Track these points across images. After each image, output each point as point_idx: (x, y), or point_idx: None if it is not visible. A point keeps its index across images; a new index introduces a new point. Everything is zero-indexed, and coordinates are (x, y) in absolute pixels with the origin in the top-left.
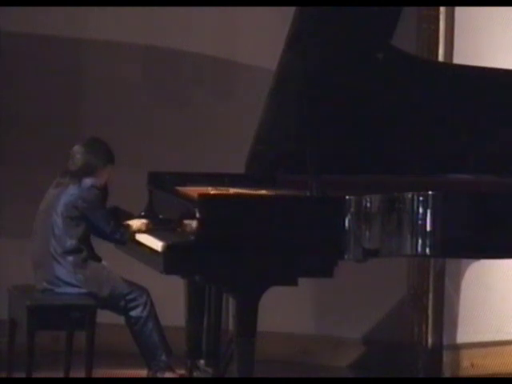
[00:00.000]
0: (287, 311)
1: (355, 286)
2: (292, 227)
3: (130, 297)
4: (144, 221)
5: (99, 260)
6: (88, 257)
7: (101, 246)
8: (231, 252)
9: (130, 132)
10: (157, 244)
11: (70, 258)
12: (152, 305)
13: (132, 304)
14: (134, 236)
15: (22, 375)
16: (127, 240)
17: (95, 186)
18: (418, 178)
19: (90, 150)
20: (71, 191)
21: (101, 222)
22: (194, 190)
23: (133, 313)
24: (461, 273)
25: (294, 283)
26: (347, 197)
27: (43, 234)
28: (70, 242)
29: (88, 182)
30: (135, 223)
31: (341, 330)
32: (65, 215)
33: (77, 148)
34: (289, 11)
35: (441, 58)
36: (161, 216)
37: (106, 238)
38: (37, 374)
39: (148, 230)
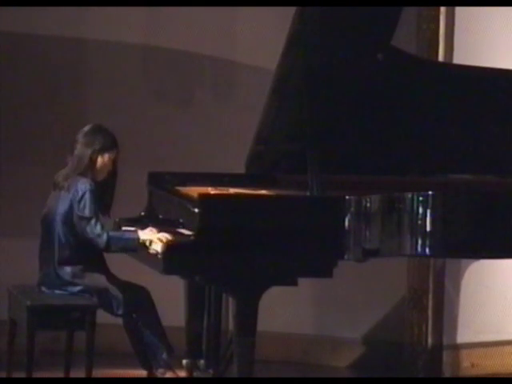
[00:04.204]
0: (287, 311)
1: (355, 285)
2: (292, 227)
3: (130, 298)
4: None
5: (107, 272)
6: (88, 268)
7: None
8: (231, 252)
9: (129, 132)
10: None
11: (68, 269)
12: (153, 304)
13: (132, 305)
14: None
15: (22, 375)
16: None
17: (89, 190)
18: (418, 178)
19: (85, 140)
20: (65, 199)
21: (89, 232)
22: (194, 190)
23: (133, 313)
24: (461, 273)
25: (294, 283)
26: (347, 197)
27: (46, 241)
28: (69, 252)
29: (82, 185)
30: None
31: (341, 330)
32: (64, 223)
33: (78, 137)
34: (289, 11)
35: (441, 58)
36: (161, 216)
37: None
38: (37, 374)
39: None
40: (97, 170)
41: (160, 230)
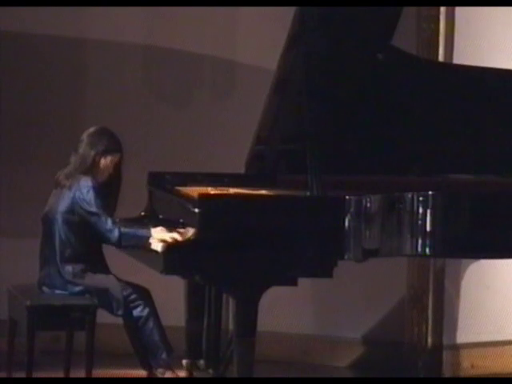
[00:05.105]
0: (287, 311)
1: (355, 286)
2: (292, 227)
3: (130, 298)
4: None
5: (107, 272)
6: (88, 268)
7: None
8: (231, 252)
9: (129, 132)
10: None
11: (69, 268)
12: (153, 304)
13: (132, 305)
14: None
15: (22, 375)
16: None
17: (92, 186)
18: (418, 178)
19: (90, 141)
20: (67, 197)
21: (100, 227)
22: (194, 190)
23: (133, 312)
24: (461, 273)
25: (294, 283)
26: (347, 197)
27: (47, 239)
28: (70, 251)
29: (84, 182)
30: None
31: (341, 330)
32: (65, 221)
33: (83, 137)
34: (289, 11)
35: (441, 58)
36: (161, 216)
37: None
38: (37, 374)
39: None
40: (98, 171)
41: (171, 230)
